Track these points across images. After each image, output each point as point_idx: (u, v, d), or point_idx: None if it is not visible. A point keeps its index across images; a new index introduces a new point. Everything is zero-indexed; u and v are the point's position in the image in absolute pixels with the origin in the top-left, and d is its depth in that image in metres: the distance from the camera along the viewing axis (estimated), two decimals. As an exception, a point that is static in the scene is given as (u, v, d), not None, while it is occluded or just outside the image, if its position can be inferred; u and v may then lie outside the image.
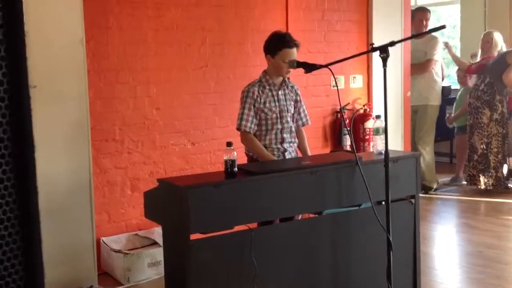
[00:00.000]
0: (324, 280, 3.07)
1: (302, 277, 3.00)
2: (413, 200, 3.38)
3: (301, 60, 3.41)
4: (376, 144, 3.42)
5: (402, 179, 3.24)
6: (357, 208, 3.20)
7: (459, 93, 6.91)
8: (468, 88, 6.50)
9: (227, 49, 4.85)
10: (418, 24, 6.29)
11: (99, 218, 4.07)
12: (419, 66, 6.25)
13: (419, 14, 6.35)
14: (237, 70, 4.86)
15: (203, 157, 4.71)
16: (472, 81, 6.52)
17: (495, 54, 6.11)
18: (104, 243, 4.10)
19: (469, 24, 7.66)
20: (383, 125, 3.13)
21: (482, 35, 6.35)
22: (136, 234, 4.26)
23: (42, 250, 1.36)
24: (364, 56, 5.78)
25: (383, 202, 2.97)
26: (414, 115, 6.32)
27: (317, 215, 3.17)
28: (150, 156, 4.43)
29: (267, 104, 3.52)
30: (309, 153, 3.75)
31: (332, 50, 5.44)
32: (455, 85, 7.07)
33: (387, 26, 5.93)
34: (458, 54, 7.27)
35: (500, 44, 6.17)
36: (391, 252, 2.90)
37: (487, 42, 6.19)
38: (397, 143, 6.09)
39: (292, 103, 3.63)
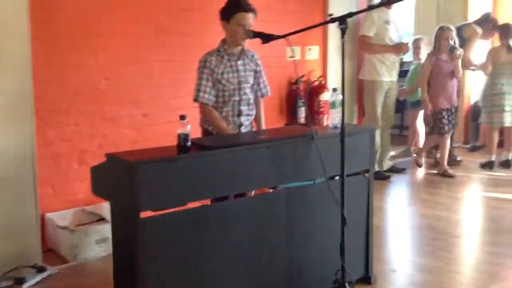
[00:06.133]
0: (279, 255, 3.04)
1: (256, 253, 2.95)
2: (367, 174, 3.38)
3: (256, 30, 3.31)
4: (333, 118, 3.38)
5: (357, 154, 3.22)
6: (312, 182, 3.16)
7: (411, 67, 6.92)
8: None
9: (184, 16, 4.67)
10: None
11: (43, 192, 3.88)
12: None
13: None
14: (193, 38, 4.68)
15: (156, 129, 4.56)
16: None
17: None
18: (49, 218, 3.94)
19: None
20: (340, 98, 3.09)
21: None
22: (83, 209, 4.12)
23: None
24: (320, 26, 5.69)
25: (337, 177, 2.95)
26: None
27: (271, 190, 3.12)
28: (99, 128, 4.25)
29: (225, 75, 3.41)
30: (264, 125, 3.68)
31: (286, 19, 5.31)
32: (408, 58, 7.09)
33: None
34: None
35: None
36: (344, 227, 2.89)
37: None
38: (351, 117, 6.10)
39: (252, 73, 3.53)
